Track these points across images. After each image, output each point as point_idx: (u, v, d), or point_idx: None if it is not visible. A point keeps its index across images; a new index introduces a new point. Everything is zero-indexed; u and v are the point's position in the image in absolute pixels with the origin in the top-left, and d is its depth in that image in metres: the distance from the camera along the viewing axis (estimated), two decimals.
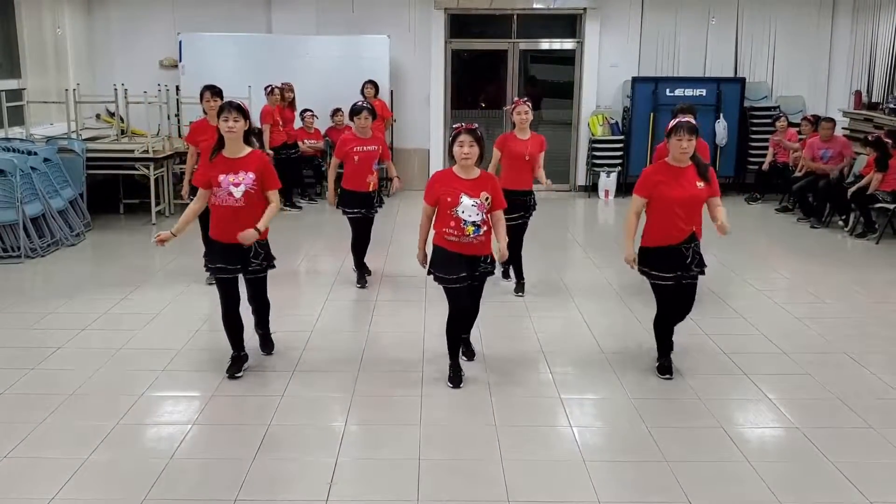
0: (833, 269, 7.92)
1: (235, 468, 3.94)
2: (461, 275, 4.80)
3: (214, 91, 6.66)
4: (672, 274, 4.89)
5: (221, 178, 4.76)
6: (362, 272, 7.13)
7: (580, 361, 5.47)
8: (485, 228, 4.79)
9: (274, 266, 5.08)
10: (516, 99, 6.76)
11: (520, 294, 6.81)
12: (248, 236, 4.75)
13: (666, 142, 4.90)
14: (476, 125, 4.84)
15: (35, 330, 5.91)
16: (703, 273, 5.00)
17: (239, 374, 5.03)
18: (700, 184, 4.81)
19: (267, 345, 5.45)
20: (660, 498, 3.76)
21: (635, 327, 6.06)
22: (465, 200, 4.71)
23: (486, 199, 4.76)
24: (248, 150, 4.86)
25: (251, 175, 4.78)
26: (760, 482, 3.87)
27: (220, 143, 4.83)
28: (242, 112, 4.76)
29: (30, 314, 6.21)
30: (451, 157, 4.86)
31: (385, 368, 5.27)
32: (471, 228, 4.73)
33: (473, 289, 4.96)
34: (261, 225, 4.81)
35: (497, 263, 4.97)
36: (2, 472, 3.89)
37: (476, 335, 5.56)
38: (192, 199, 5.20)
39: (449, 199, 4.73)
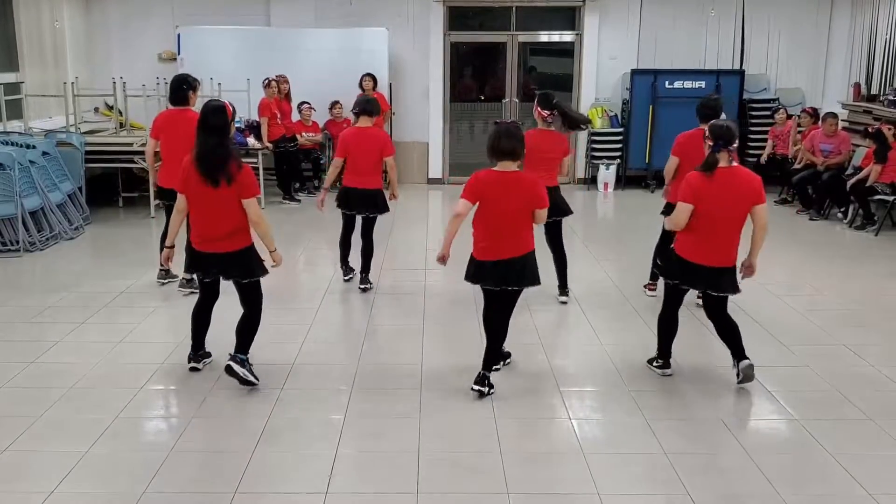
0: (832, 261, 7.94)
1: (235, 460, 3.95)
2: None
3: None
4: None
5: None
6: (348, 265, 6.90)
7: (580, 354, 5.49)
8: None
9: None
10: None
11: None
12: None
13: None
14: None
15: (34, 323, 5.91)
16: None
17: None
18: None
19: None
20: (658, 490, 3.77)
21: (635, 320, 6.07)
22: None
23: None
24: None
25: None
26: (759, 474, 3.88)
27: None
28: None
29: (29, 307, 6.21)
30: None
31: (384, 360, 5.27)
32: None
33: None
34: None
35: None
36: (2, 466, 3.90)
37: (474, 328, 5.57)
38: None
39: None
